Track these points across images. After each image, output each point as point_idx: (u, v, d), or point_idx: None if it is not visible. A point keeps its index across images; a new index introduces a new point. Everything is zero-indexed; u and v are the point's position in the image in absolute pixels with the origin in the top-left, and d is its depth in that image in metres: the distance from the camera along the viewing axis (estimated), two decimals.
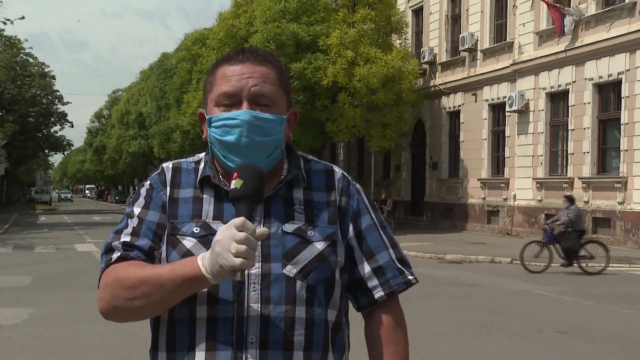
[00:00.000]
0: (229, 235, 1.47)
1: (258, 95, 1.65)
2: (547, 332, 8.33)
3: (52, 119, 50.69)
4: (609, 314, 9.66)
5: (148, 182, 1.76)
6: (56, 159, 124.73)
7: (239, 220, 1.48)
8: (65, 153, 68.60)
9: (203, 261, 1.53)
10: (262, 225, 1.64)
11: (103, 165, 70.19)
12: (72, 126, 52.87)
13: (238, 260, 1.45)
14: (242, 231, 1.47)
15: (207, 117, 1.69)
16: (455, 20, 28.04)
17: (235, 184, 1.55)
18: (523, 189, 23.34)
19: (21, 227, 31.44)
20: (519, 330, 8.47)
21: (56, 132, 53.32)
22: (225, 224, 1.62)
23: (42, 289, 11.68)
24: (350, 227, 1.74)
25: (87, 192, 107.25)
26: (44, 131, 51.55)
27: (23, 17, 32.85)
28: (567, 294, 11.43)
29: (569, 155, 21.43)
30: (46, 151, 57.20)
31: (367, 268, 1.74)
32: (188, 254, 1.62)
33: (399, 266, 1.77)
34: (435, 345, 7.29)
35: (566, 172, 21.57)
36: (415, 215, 29.64)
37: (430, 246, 19.05)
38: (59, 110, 50.76)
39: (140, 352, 7.12)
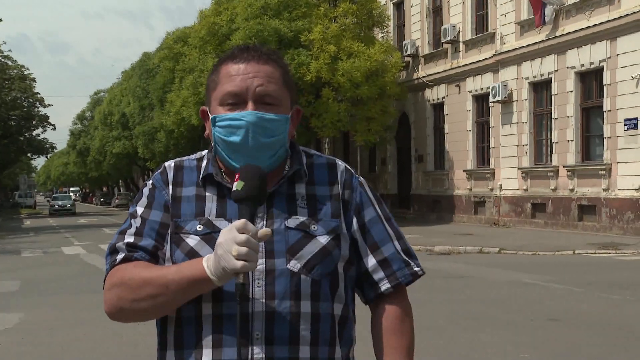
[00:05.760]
0: (230, 237, 1.47)
1: (263, 95, 1.64)
2: (539, 320, 8.38)
3: (34, 122, 50.29)
4: (598, 301, 9.74)
5: (150, 182, 1.75)
6: (39, 162, 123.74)
7: (240, 222, 1.48)
8: (48, 156, 68.09)
9: (208, 263, 1.52)
10: (265, 222, 1.64)
11: (87, 167, 69.68)
12: (55, 129, 52.59)
13: (239, 263, 1.45)
14: (243, 233, 1.46)
15: (211, 117, 1.68)
16: (436, 12, 28.09)
17: (237, 185, 1.54)
18: (509, 179, 23.46)
19: (6, 232, 31.19)
20: (511, 319, 8.52)
21: (38, 135, 53.01)
22: (228, 221, 1.63)
23: (31, 294, 11.59)
24: (354, 220, 1.73)
25: (71, 194, 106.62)
26: (26, 135, 51.16)
27: (0, 20, 32.58)
28: (556, 282, 11.51)
29: (553, 144, 21.57)
30: (29, 155, 56.75)
31: (372, 261, 1.74)
32: (192, 252, 1.62)
33: (405, 258, 1.77)
34: (428, 338, 7.32)
35: (551, 161, 21.71)
36: (402, 208, 29.72)
37: (419, 238, 19.09)
38: (40, 113, 50.40)
39: (133, 355, 7.10)
